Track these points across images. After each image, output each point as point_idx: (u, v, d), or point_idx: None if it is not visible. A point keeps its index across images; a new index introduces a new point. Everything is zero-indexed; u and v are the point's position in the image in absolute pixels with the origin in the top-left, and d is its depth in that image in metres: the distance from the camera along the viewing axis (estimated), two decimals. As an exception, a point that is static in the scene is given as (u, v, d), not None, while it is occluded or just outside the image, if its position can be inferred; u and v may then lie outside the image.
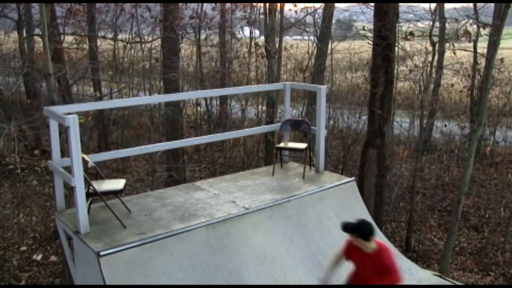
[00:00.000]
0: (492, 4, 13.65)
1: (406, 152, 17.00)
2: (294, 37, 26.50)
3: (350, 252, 5.61)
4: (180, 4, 12.94)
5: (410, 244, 11.30)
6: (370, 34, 10.54)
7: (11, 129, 7.44)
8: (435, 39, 11.62)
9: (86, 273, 6.23)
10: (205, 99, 20.00)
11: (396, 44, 10.43)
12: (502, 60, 15.03)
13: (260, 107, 17.20)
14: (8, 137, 9.12)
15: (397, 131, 17.55)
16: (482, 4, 12.54)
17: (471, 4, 12.50)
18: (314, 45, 16.79)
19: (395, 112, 16.32)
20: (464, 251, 11.19)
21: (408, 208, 12.51)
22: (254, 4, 15.83)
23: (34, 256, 10.30)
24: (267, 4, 11.50)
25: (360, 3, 14.39)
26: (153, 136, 16.46)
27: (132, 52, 17.93)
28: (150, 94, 19.11)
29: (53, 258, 10.25)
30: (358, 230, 5.36)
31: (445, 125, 18.01)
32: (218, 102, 19.92)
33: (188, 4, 15.65)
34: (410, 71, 14.77)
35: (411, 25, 13.87)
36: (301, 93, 19.89)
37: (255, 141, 17.21)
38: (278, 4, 12.08)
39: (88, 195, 6.26)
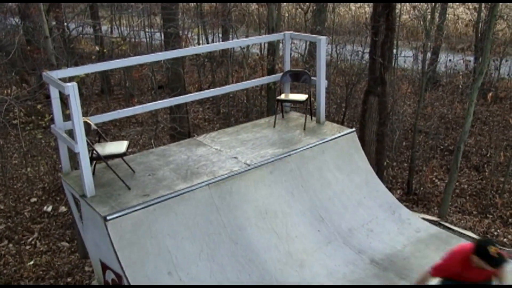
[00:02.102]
0: None
1: (410, 89, 16.93)
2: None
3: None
4: None
5: (411, 186, 11.50)
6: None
7: (11, 94, 7.45)
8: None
9: (94, 234, 6.44)
10: (206, 36, 19.84)
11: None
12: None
13: (262, 44, 17.03)
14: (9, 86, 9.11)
15: (401, 64, 17.37)
16: None
17: None
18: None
19: (398, 44, 16.12)
20: (464, 193, 11.39)
21: (410, 148, 12.61)
22: None
23: (45, 208, 10.57)
24: None
25: None
26: (155, 78, 16.41)
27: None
28: (150, 34, 18.95)
29: (62, 209, 10.53)
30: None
31: (450, 60, 17.83)
32: (220, 40, 19.70)
33: None
34: (414, 7, 14.47)
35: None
36: (303, 30, 19.62)
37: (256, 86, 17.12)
38: None
39: (92, 159, 6.38)
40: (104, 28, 19.76)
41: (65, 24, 10.78)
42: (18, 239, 9.49)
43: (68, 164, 6.92)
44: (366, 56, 14.75)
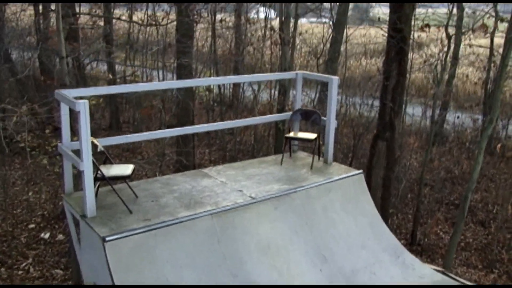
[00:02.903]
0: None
1: (417, 143, 16.94)
2: (311, 19, 26.22)
3: None
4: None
5: (416, 237, 11.32)
6: (385, 25, 10.42)
7: (22, 109, 7.47)
8: (451, 31, 11.49)
9: (91, 257, 6.31)
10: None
11: (411, 37, 10.31)
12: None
13: (272, 91, 17.19)
14: (20, 115, 9.15)
15: (409, 121, 17.47)
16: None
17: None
18: (330, 31, 16.67)
19: (408, 101, 16.23)
20: (469, 247, 11.21)
21: (415, 200, 12.50)
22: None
23: (42, 235, 10.44)
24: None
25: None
26: (164, 117, 16.51)
27: (148, 30, 17.95)
28: (163, 73, 19.15)
29: (60, 237, 10.38)
30: None
31: (458, 117, 17.90)
32: (231, 84, 19.87)
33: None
34: (425, 61, 14.63)
35: (429, 9, 13.54)
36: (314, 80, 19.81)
37: (266, 125, 17.22)
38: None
39: (96, 179, 6.31)
40: (117, 68, 20.01)
41: (80, 51, 10.91)
42: (11, 263, 9.32)
43: (71, 185, 6.85)
44: (375, 106, 14.85)
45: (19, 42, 17.88)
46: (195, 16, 12.55)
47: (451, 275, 7.95)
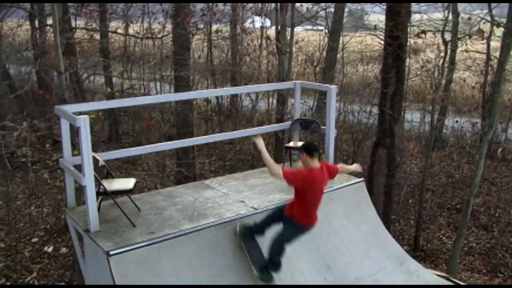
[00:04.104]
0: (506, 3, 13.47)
1: (416, 148, 16.93)
2: (306, 27, 26.20)
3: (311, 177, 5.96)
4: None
5: (419, 243, 11.30)
6: (381, 33, 10.46)
7: (23, 125, 7.48)
8: (448, 37, 11.52)
9: (96, 271, 6.30)
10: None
11: (408, 44, 10.35)
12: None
13: (270, 99, 17.21)
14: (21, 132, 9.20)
15: (407, 126, 17.48)
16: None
17: (485, 1, 12.27)
18: (325, 39, 16.71)
19: (406, 107, 16.25)
20: (472, 251, 11.19)
21: (417, 205, 12.49)
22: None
23: (45, 248, 10.44)
24: (279, 0, 11.45)
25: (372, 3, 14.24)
26: (164, 128, 16.49)
27: (144, 43, 17.97)
28: (161, 85, 19.16)
29: (63, 250, 10.38)
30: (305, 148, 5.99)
31: (457, 121, 17.92)
32: (228, 94, 19.86)
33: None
34: (422, 67, 14.66)
35: (424, 15, 13.52)
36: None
37: (265, 135, 17.21)
38: (290, 1, 12.00)
39: (98, 194, 6.31)
40: (114, 80, 20.02)
41: (78, 65, 10.93)
42: (16, 277, 9.31)
43: (74, 199, 6.86)
44: (373, 113, 14.88)
45: (17, 57, 17.91)
46: (192, 29, 12.59)
47: (455, 280, 7.95)
